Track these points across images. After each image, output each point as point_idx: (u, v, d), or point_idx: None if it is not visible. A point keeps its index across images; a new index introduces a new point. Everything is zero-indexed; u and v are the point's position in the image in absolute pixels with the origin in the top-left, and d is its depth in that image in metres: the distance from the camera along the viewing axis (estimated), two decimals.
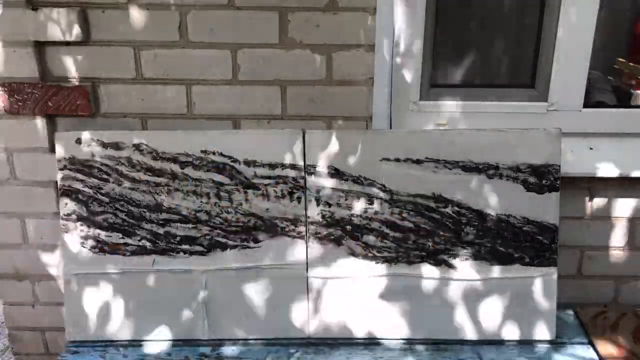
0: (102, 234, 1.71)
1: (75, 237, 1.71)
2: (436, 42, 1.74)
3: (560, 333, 1.75)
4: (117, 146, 1.67)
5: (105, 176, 1.68)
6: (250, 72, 1.67)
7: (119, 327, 1.75)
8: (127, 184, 1.69)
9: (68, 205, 1.70)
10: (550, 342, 1.73)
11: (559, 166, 1.65)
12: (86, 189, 1.69)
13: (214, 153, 1.67)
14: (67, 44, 1.63)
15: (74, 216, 1.71)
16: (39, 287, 1.91)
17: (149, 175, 1.68)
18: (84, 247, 1.72)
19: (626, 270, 1.90)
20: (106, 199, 1.70)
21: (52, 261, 1.84)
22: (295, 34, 1.63)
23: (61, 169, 1.69)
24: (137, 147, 1.67)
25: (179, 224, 1.71)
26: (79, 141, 1.67)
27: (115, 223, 1.71)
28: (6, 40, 1.61)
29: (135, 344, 1.75)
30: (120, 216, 1.70)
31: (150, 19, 1.62)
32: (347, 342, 1.74)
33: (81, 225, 1.71)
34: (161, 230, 1.71)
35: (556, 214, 1.67)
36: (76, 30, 1.60)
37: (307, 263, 1.72)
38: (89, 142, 1.67)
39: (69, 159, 1.68)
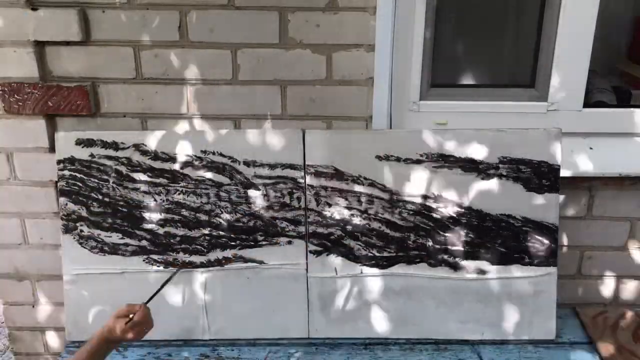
0: (102, 234, 1.71)
1: (75, 237, 1.71)
2: (436, 41, 1.74)
3: (560, 333, 1.75)
4: (117, 146, 1.68)
5: (105, 176, 1.68)
6: (250, 72, 1.67)
7: None
8: (127, 184, 1.69)
9: (68, 206, 1.70)
10: (550, 342, 1.73)
11: (559, 166, 1.65)
12: (86, 189, 1.69)
13: (213, 153, 1.67)
14: (67, 43, 1.63)
15: (74, 216, 1.71)
16: (39, 287, 1.91)
17: (149, 176, 1.68)
18: (84, 247, 1.72)
19: (626, 270, 1.90)
20: (106, 199, 1.70)
21: (52, 261, 1.84)
22: (295, 34, 1.63)
23: (61, 169, 1.69)
24: (137, 147, 1.67)
25: (179, 224, 1.71)
26: (79, 141, 1.68)
27: (115, 223, 1.71)
28: (6, 40, 1.60)
29: (135, 344, 1.74)
30: (120, 216, 1.70)
31: (150, 19, 1.62)
32: (347, 342, 1.75)
33: (81, 225, 1.71)
34: (161, 231, 1.71)
35: (556, 214, 1.67)
36: (76, 30, 1.60)
37: (307, 263, 1.72)
38: (88, 142, 1.67)
39: (69, 159, 1.68)
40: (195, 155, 1.68)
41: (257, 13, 1.61)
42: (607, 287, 1.93)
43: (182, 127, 1.72)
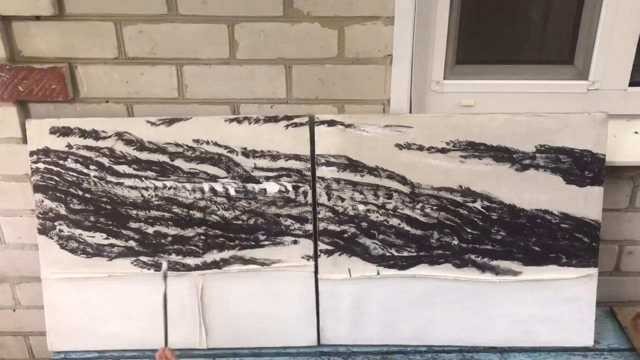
0: (84, 234, 1.53)
1: (54, 238, 1.54)
2: (463, 12, 1.53)
3: (598, 338, 1.60)
4: (97, 135, 1.48)
5: (84, 169, 1.50)
6: (250, 49, 1.47)
7: (107, 337, 1.60)
8: (109, 178, 1.50)
9: (44, 203, 1.52)
10: (588, 349, 1.57)
11: (604, 155, 1.46)
12: (64, 184, 1.51)
13: (207, 142, 1.48)
14: (38, 18, 1.42)
15: (51, 214, 1.52)
16: (20, 290, 1.74)
17: (135, 168, 1.50)
18: (65, 249, 1.54)
19: None
20: (87, 195, 1.51)
21: (33, 262, 1.66)
22: (302, 5, 1.42)
23: (34, 162, 1.50)
24: (120, 136, 1.48)
25: (170, 223, 1.53)
26: (53, 130, 1.48)
27: (99, 222, 1.53)
28: None
29: (128, 354, 1.59)
30: (103, 214, 1.52)
31: None
32: (362, 350, 1.59)
33: (60, 224, 1.53)
34: (150, 230, 1.53)
35: (599, 209, 1.49)
36: (47, 2, 1.38)
37: (316, 264, 1.55)
38: (65, 131, 1.48)
39: (43, 151, 1.49)
40: (187, 145, 1.48)
41: None
42: None
43: (172, 113, 1.52)
